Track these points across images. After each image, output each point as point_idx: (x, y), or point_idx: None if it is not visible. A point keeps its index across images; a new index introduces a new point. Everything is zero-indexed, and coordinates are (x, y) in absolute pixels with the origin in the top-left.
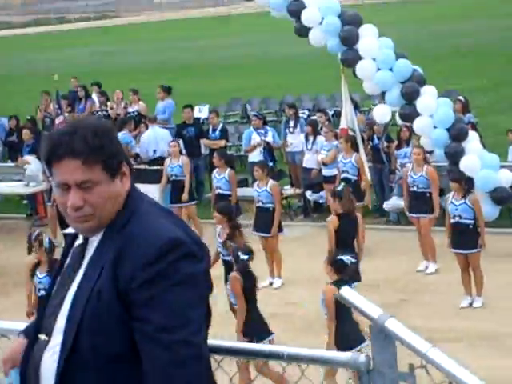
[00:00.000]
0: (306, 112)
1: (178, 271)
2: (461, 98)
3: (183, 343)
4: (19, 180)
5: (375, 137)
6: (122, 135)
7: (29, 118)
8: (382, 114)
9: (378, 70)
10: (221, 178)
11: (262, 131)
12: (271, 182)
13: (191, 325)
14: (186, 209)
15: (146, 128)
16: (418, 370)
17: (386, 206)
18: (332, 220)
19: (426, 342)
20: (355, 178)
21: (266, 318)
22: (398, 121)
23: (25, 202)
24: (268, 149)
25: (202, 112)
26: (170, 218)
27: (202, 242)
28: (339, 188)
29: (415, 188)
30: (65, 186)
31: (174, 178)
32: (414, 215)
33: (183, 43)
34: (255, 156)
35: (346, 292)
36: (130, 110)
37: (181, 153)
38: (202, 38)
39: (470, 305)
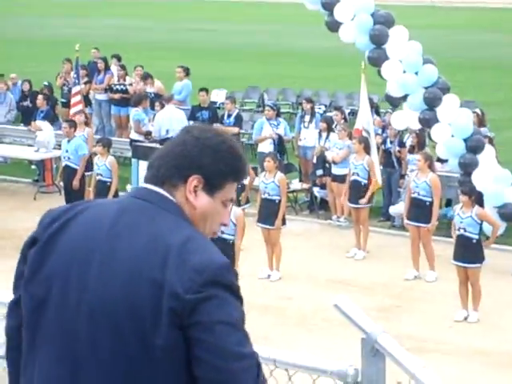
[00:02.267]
0: (323, 108)
1: None
2: (477, 110)
3: None
4: (30, 145)
5: (388, 140)
6: (135, 112)
7: (46, 84)
8: (399, 120)
9: (404, 72)
10: None
11: (275, 122)
12: (279, 174)
13: None
14: None
15: (162, 107)
16: None
17: (392, 210)
18: None
19: (416, 362)
20: (365, 181)
21: (258, 309)
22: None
23: (33, 167)
24: (278, 141)
25: (218, 96)
26: None
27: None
28: None
29: (416, 194)
30: (229, 202)
31: None
32: (411, 223)
33: (207, 25)
34: (265, 146)
35: (341, 302)
36: (148, 90)
37: None
38: (226, 22)
39: (465, 319)
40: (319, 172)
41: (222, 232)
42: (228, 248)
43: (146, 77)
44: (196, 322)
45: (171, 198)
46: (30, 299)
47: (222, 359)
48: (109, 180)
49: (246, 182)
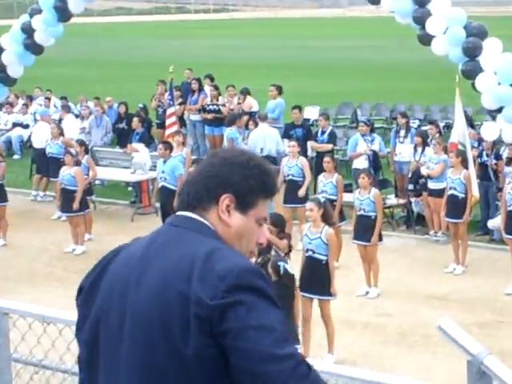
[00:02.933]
0: (417, 122)
1: None
2: None
3: None
4: (126, 167)
5: (484, 153)
6: (229, 131)
7: (141, 106)
8: (489, 131)
9: (499, 84)
10: (327, 182)
11: (369, 138)
12: (374, 190)
13: None
14: (300, 210)
15: (256, 125)
16: None
17: (491, 224)
18: None
19: None
20: (463, 195)
21: (357, 327)
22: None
23: (130, 188)
24: (373, 157)
25: (311, 113)
26: None
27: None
28: None
29: None
30: (263, 221)
31: (290, 177)
32: (509, 236)
33: (298, 42)
34: (360, 162)
35: (445, 323)
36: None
37: (299, 153)
38: (317, 38)
39: None
40: (410, 187)
41: (314, 252)
42: (321, 268)
43: (243, 92)
44: (227, 330)
45: (202, 219)
46: (83, 346)
47: (259, 364)
48: None
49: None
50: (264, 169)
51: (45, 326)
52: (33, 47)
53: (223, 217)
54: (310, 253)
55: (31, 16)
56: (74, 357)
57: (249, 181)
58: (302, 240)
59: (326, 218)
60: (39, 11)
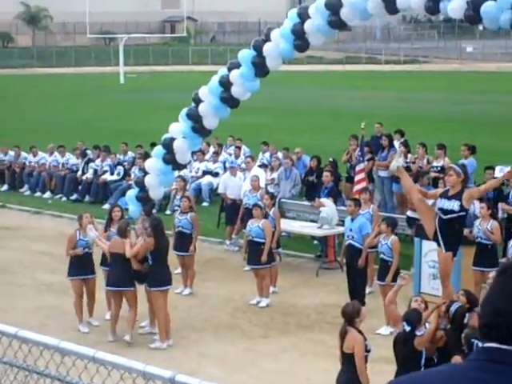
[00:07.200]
0: None
1: None
2: None
3: None
4: (313, 220)
5: None
6: None
7: (331, 160)
8: None
9: None
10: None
11: None
12: None
13: None
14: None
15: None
16: None
17: None
18: None
19: None
20: None
21: None
22: None
23: (315, 242)
24: None
25: (502, 172)
26: None
27: None
28: None
29: None
30: None
31: (479, 240)
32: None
33: (491, 96)
34: None
35: None
36: (435, 164)
37: (490, 216)
38: (506, 93)
39: None
40: None
41: None
42: None
43: (440, 147)
44: None
45: None
46: None
47: None
48: (390, 260)
49: None
50: None
51: None
52: (229, 100)
53: None
54: None
55: (229, 70)
56: None
57: None
58: None
59: None
60: (237, 65)
